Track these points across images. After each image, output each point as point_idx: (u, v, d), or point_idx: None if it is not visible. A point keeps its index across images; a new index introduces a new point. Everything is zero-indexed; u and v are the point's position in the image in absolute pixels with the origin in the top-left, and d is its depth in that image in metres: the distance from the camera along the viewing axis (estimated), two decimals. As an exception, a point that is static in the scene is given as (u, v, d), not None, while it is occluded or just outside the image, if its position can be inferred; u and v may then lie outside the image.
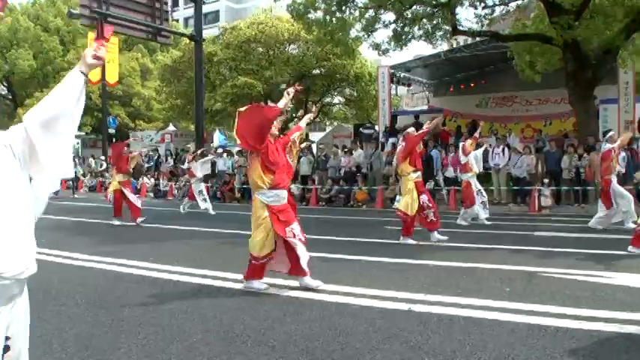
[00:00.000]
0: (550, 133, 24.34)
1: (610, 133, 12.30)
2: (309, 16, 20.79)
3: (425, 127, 10.95)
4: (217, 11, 74.17)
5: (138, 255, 9.44)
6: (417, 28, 20.71)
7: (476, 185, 13.55)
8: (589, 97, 19.17)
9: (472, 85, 28.86)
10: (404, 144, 10.63)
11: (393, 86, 30.72)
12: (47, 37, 45.72)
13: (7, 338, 2.53)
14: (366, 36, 21.19)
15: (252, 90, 31.01)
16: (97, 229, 14.16)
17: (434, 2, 19.50)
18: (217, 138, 36.13)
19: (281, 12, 29.22)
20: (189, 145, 29.68)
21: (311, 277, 6.60)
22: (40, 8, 48.59)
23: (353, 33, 21.15)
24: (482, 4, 20.10)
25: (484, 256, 8.84)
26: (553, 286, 6.60)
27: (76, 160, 33.30)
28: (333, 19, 20.17)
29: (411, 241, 10.39)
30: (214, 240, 11.85)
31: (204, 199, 17.75)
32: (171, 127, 38.09)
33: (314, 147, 25.65)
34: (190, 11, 65.94)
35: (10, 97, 49.96)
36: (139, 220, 14.54)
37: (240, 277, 6.93)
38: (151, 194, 26.48)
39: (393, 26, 20.48)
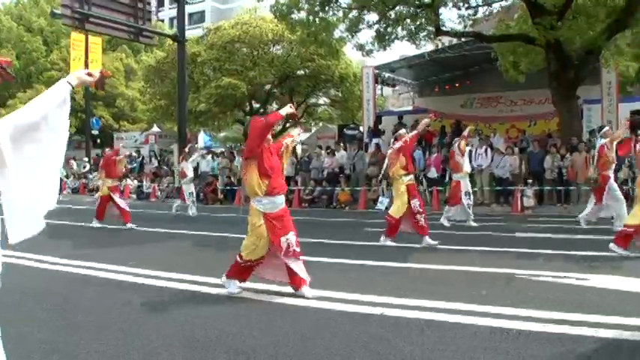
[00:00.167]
0: (535, 133, 24.40)
1: (605, 129, 12.01)
2: (293, 16, 20.72)
3: (418, 129, 10.86)
4: (203, 11, 73.83)
5: (112, 258, 9.28)
6: (400, 28, 20.68)
7: (466, 186, 13.48)
8: (572, 97, 19.18)
9: (457, 85, 28.86)
10: (395, 146, 10.47)
11: (379, 87, 30.72)
12: (30, 38, 45.43)
13: None
14: (349, 36, 21.13)
15: (236, 91, 30.82)
16: (75, 232, 13.98)
17: (417, 3, 19.47)
18: (202, 139, 36.00)
19: (265, 12, 29.07)
20: (172, 147, 29.52)
21: (308, 287, 6.42)
22: (23, 8, 48.30)
23: (337, 33, 21.09)
24: (466, 5, 20.09)
25: (463, 259, 8.75)
26: (529, 288, 6.51)
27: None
28: (317, 19, 20.11)
29: (390, 243, 10.29)
30: (193, 243, 11.75)
31: (193, 202, 17.60)
32: (155, 128, 37.86)
33: (298, 148, 25.53)
34: (176, 11, 65.85)
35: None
36: (130, 225, 14.24)
37: (218, 281, 6.81)
38: (134, 196, 26.30)
39: (376, 27, 20.41)
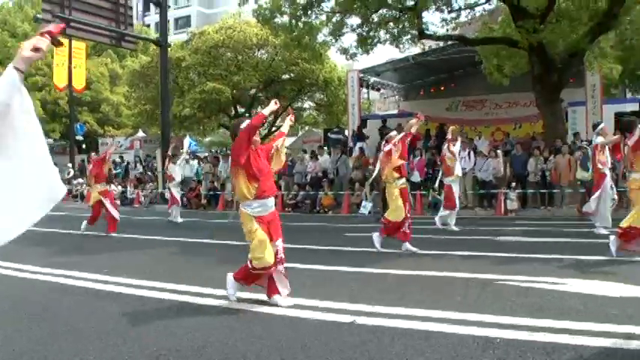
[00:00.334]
0: (520, 136, 24.45)
1: (600, 126, 11.76)
2: (276, 20, 20.62)
3: (406, 130, 10.63)
4: (189, 16, 73.81)
5: (92, 266, 9.11)
6: (383, 32, 20.64)
7: (457, 191, 13.42)
8: (556, 100, 19.19)
9: (442, 88, 28.88)
10: (386, 149, 10.31)
11: (365, 90, 30.69)
12: (14, 43, 45.01)
13: None
14: (333, 40, 21.06)
15: (220, 95, 30.73)
16: (57, 239, 13.77)
17: (399, 6, 19.43)
18: (187, 143, 35.70)
19: (249, 17, 28.99)
20: (156, 152, 29.34)
21: (281, 296, 6.27)
22: (8, 13, 47.99)
23: (320, 37, 21.02)
24: (449, 9, 20.05)
25: (442, 264, 8.65)
26: (506, 294, 6.40)
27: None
28: (299, 23, 20.02)
29: (378, 244, 10.07)
30: (175, 250, 11.57)
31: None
32: (140, 134, 37.66)
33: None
34: (162, 16, 65.65)
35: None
36: (113, 234, 13.99)
37: (195, 289, 6.70)
38: (118, 202, 26.03)
39: (358, 30, 20.35)
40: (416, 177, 18.49)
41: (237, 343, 4.97)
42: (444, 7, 19.99)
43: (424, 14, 19.96)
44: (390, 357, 4.46)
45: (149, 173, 28.19)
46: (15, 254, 10.16)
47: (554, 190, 17.19)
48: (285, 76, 33.35)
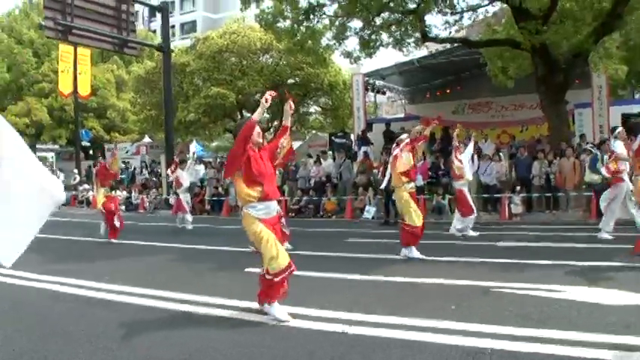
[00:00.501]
0: (526, 138, 24.26)
1: (618, 129, 11.33)
2: (279, 25, 20.51)
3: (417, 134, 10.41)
4: (194, 21, 73.89)
5: (88, 273, 9.05)
6: (386, 35, 20.53)
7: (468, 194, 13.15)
8: (560, 102, 18.98)
9: (448, 91, 28.77)
10: (394, 153, 10.16)
11: (372, 94, 30.59)
12: (21, 50, 45.25)
13: None
14: (337, 44, 20.95)
15: (225, 100, 30.70)
16: (56, 245, 13.70)
17: (401, 9, 19.31)
18: (194, 148, 35.82)
19: (253, 21, 28.94)
20: (160, 157, 29.30)
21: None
22: (14, 20, 48.12)
23: (324, 41, 20.93)
24: (451, 11, 19.91)
25: (439, 270, 8.52)
26: (502, 303, 6.27)
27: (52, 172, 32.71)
28: (302, 27, 19.93)
29: (416, 254, 9.72)
30: (174, 257, 11.45)
31: (188, 212, 17.30)
32: (146, 139, 37.69)
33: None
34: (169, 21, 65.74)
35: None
36: (113, 240, 13.93)
37: (187, 297, 6.58)
38: (123, 207, 26.03)
39: (360, 34, 20.25)
40: (419, 181, 18.30)
41: (228, 351, 4.89)
42: (447, 10, 19.84)
43: (427, 17, 19.85)
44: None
45: (154, 179, 28.16)
46: (15, 262, 10.08)
47: (559, 194, 16.99)
48: (290, 81, 33.25)
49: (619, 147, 10.89)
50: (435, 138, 24.15)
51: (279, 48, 28.99)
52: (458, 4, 19.88)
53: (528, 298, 6.41)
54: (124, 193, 27.09)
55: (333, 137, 27.90)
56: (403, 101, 33.45)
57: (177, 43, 47.05)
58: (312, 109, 38.28)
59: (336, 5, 19.97)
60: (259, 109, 5.97)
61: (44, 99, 43.99)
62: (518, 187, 17.22)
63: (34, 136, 43.18)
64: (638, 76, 26.64)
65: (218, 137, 41.47)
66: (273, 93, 6.11)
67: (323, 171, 20.99)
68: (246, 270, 8.52)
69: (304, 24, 19.89)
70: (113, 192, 15.35)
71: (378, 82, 28.95)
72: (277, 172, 20.50)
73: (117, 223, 14.11)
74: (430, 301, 6.60)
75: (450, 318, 5.63)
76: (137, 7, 45.83)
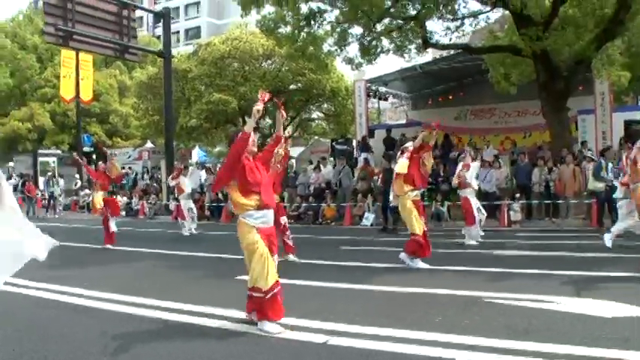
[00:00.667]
0: (529, 145, 24.11)
1: None
2: (280, 31, 20.45)
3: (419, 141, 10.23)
4: (199, 27, 74.02)
5: (76, 280, 8.92)
6: (387, 41, 20.45)
7: (475, 203, 12.97)
8: (562, 109, 18.88)
9: (450, 97, 28.63)
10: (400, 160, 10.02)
11: (375, 100, 30.49)
12: (24, 55, 45.39)
13: None
14: (338, 50, 20.86)
15: (226, 106, 30.69)
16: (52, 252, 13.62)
17: (402, 15, 19.22)
18: (197, 154, 35.84)
19: (256, 27, 28.93)
20: (161, 162, 29.24)
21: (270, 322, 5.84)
22: (18, 26, 48.30)
23: (326, 47, 20.84)
24: (452, 17, 19.81)
25: (433, 279, 8.41)
26: (490, 314, 6.12)
27: (54, 179, 32.89)
28: (303, 33, 19.85)
29: (422, 264, 9.53)
30: (168, 264, 11.35)
31: (193, 218, 17.19)
32: (148, 144, 37.68)
33: (293, 162, 25.37)
34: (173, 27, 65.75)
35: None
36: (108, 245, 13.81)
37: (174, 305, 6.55)
38: (123, 212, 25.96)
39: (360, 40, 20.18)
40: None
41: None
42: (448, 16, 19.74)
43: (428, 23, 19.77)
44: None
45: (155, 184, 28.09)
46: None
47: (559, 201, 16.84)
48: (292, 87, 33.24)
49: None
50: (437, 144, 24.02)
51: (282, 54, 28.95)
52: (459, 10, 19.81)
53: (517, 309, 6.26)
54: (125, 198, 27.03)
55: (334, 143, 27.77)
56: (405, 107, 33.34)
57: (182, 49, 47.10)
58: (315, 115, 38.23)
59: (337, 11, 19.90)
60: (251, 120, 5.81)
61: (47, 104, 44.09)
62: (517, 195, 17.07)
63: (36, 141, 43.29)
64: (642, 81, 26.46)
65: (220, 143, 41.44)
66: (266, 97, 5.97)
67: (322, 177, 20.90)
68: (237, 278, 8.39)
69: (305, 30, 19.83)
70: (114, 197, 15.36)
71: (381, 89, 28.84)
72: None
73: (114, 228, 14.03)
74: (417, 311, 6.46)
75: (435, 329, 5.49)
76: (142, 13, 46.02)
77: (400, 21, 19.57)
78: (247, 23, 32.45)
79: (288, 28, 20.18)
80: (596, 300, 6.57)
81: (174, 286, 8.62)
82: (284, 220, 11.09)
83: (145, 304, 7.10)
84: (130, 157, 36.68)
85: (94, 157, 40.47)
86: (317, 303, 7.06)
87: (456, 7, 19.58)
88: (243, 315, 6.08)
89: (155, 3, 70.93)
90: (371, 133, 27.02)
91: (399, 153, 10.55)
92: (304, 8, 19.55)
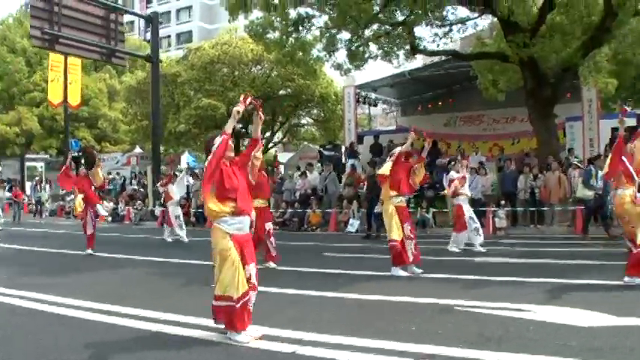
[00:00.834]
0: (516, 151, 24.08)
1: None
2: (268, 36, 20.37)
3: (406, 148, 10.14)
4: (190, 31, 73.94)
5: (54, 287, 8.78)
6: (375, 47, 20.41)
7: (468, 210, 12.89)
8: (549, 115, 18.89)
9: (440, 103, 28.61)
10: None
11: (365, 106, 30.45)
12: (13, 58, 45.19)
13: None
14: (327, 56, 20.80)
15: (215, 112, 30.59)
16: (30, 257, 13.49)
17: (390, 21, 19.19)
18: (186, 159, 35.65)
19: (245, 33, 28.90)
20: (147, 168, 29.10)
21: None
22: (7, 29, 48.05)
23: (314, 53, 20.77)
24: (440, 23, 19.80)
25: (411, 287, 8.34)
26: (465, 322, 6.02)
27: (41, 184, 32.74)
28: (291, 39, 19.78)
29: (402, 273, 9.40)
30: (150, 271, 11.20)
31: (180, 225, 16.94)
32: (137, 150, 37.53)
33: (282, 168, 25.29)
34: (165, 31, 65.67)
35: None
36: (89, 251, 13.57)
37: (156, 314, 6.42)
38: (109, 218, 25.82)
39: (348, 46, 20.13)
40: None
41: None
42: (436, 22, 19.73)
43: (416, 29, 19.77)
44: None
45: (141, 190, 27.93)
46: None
47: (544, 208, 16.80)
48: (282, 92, 33.18)
49: None
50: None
51: (271, 59, 28.88)
52: (447, 16, 19.81)
53: (492, 318, 6.18)
54: (111, 204, 26.86)
55: (322, 149, 27.70)
56: (395, 113, 33.32)
57: (173, 54, 46.97)
58: (304, 120, 38.17)
59: (325, 17, 19.84)
60: (230, 121, 5.67)
61: (35, 108, 43.89)
62: (502, 202, 17.01)
63: (24, 145, 43.03)
64: (628, 89, 26.50)
65: (210, 149, 41.31)
66: (247, 100, 5.82)
67: (309, 184, 20.82)
68: (213, 285, 8.27)
69: (293, 35, 19.76)
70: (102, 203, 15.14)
71: (371, 95, 28.79)
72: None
73: (90, 231, 13.78)
74: (391, 320, 6.34)
75: (407, 339, 5.39)
76: (134, 17, 45.86)
77: (388, 27, 19.55)
78: (237, 28, 32.36)
79: (277, 34, 20.09)
80: (574, 309, 6.48)
81: (153, 294, 8.50)
82: (269, 226, 10.97)
83: (120, 312, 6.97)
84: (118, 162, 36.49)
85: (82, 161, 40.43)
86: (292, 311, 6.96)
87: (445, 13, 19.62)
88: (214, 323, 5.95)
89: (147, 7, 70.79)
90: (360, 139, 26.99)
91: (388, 158, 10.42)
92: (293, 13, 19.52)
